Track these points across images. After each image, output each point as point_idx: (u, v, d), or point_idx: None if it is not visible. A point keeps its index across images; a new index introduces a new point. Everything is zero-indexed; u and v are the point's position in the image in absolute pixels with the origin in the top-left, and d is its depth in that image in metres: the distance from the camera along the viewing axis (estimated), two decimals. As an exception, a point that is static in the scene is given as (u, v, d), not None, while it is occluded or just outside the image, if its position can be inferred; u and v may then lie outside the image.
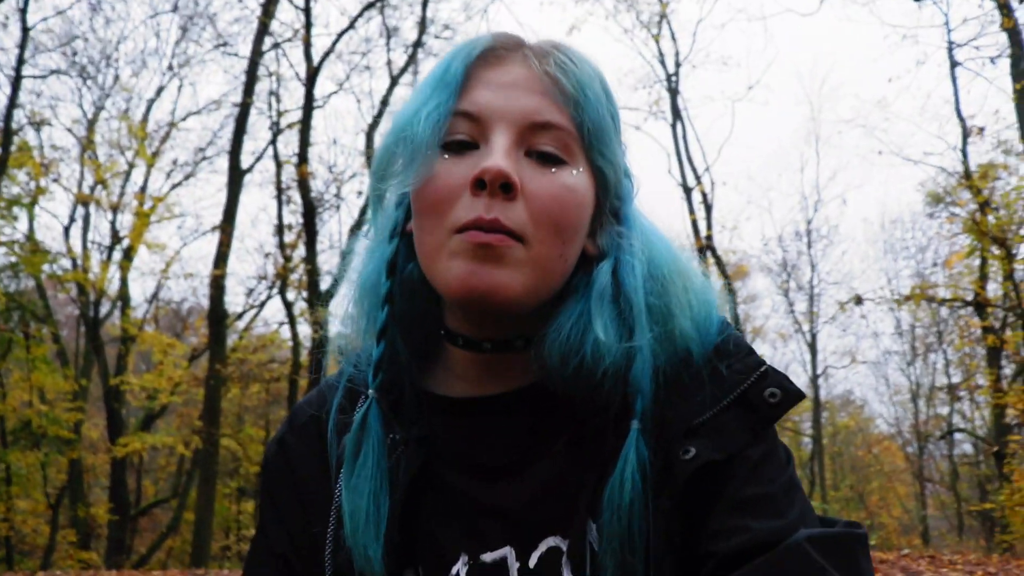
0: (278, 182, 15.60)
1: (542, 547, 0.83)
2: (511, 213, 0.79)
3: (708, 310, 0.87)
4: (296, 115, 15.22)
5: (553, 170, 0.82)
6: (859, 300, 13.35)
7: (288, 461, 0.95)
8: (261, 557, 0.95)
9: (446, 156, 0.82)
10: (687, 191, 15.58)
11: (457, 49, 0.86)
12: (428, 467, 0.87)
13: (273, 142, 15.85)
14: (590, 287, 0.84)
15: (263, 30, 14.05)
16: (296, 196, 15.00)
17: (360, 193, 16.95)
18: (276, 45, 14.77)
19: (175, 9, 15.41)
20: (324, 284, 14.01)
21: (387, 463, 0.85)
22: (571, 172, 0.83)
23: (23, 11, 14.15)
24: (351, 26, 14.48)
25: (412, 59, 15.08)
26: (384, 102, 14.86)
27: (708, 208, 15.55)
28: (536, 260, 0.80)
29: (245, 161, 14.72)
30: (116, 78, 16.87)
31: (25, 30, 14.29)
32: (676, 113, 15.54)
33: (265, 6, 13.92)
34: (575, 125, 0.83)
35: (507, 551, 0.84)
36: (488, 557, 0.84)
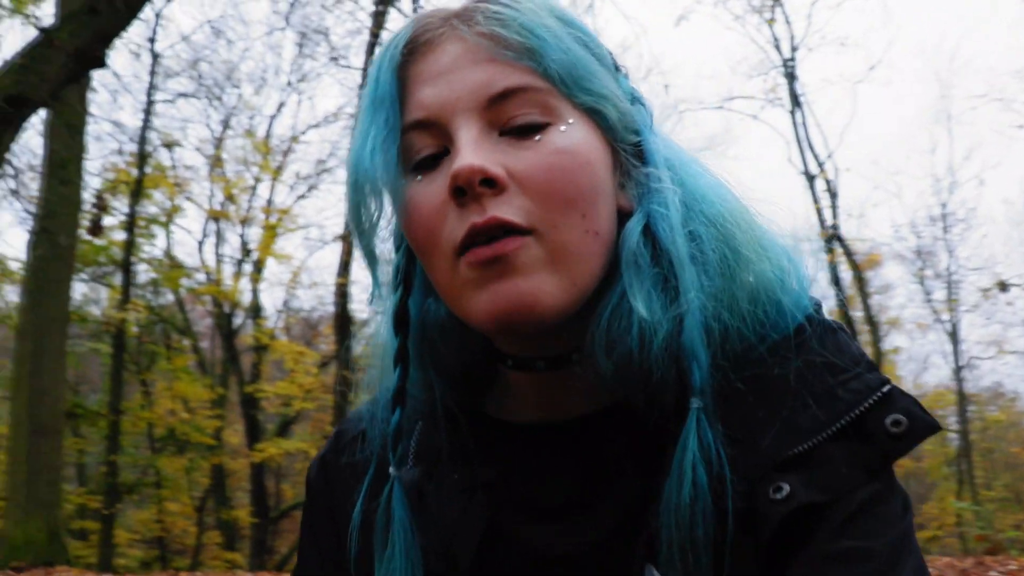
0: (396, 190, 15.86)
1: None
2: (507, 206, 0.66)
3: (777, 278, 0.72)
4: (411, 123, 15.45)
5: (537, 138, 0.68)
6: (1004, 286, 12.51)
7: (328, 483, 0.86)
8: None
9: (419, 178, 0.71)
10: (810, 179, 14.97)
11: (380, 55, 0.73)
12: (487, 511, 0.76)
13: (390, 151, 16.11)
14: (620, 255, 0.70)
15: (374, 41, 14.36)
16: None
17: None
18: (388, 55, 15.02)
19: (286, 24, 15.91)
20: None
21: (443, 516, 0.75)
22: (559, 130, 0.69)
23: (152, 40, 14.97)
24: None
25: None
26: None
27: (833, 196, 14.91)
28: (558, 249, 0.67)
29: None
30: (239, 97, 17.56)
31: (155, 57, 15.13)
32: (794, 99, 14.96)
33: (375, 16, 14.22)
34: (540, 75, 0.69)
35: None
36: None
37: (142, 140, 15.49)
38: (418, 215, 0.70)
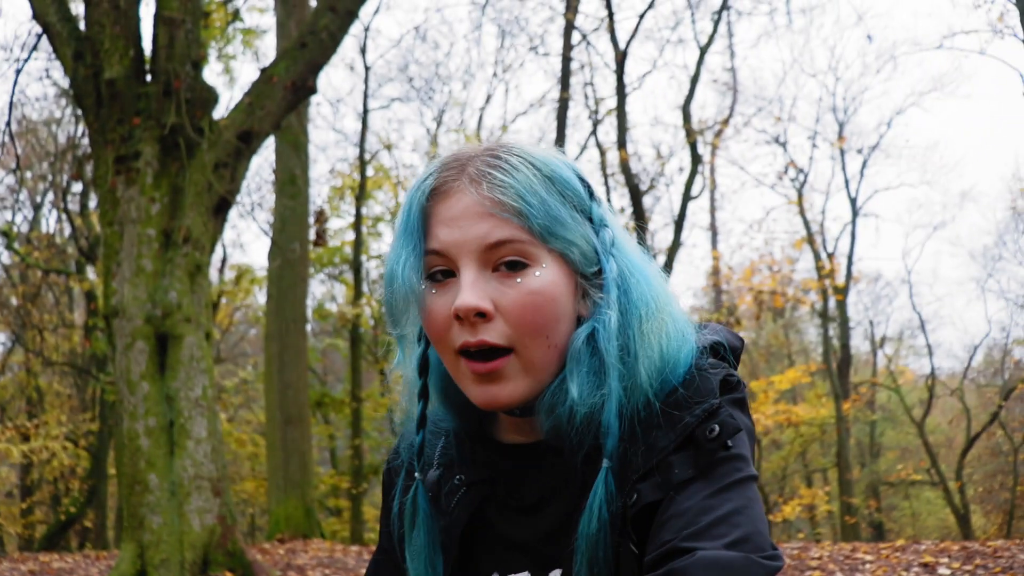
0: (603, 169, 16.08)
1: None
2: (493, 332, 0.92)
3: (677, 353, 0.96)
4: (613, 102, 15.56)
5: (518, 280, 0.92)
6: None
7: (388, 482, 1.13)
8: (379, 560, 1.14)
9: (433, 290, 0.95)
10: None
11: (411, 193, 0.98)
12: (479, 507, 1.03)
13: (594, 131, 16.40)
14: (568, 353, 0.95)
15: (569, 26, 14.55)
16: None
17: (681, 170, 16.92)
18: (583, 37, 15.19)
19: (479, 24, 16.33)
20: (659, 260, 14.17)
21: (449, 506, 1.03)
22: (535, 273, 0.92)
23: (363, 50, 16.00)
24: (651, 5, 14.52)
25: (717, 26, 14.75)
26: (695, 75, 14.69)
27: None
28: (530, 363, 0.93)
29: (571, 152, 15.32)
30: (449, 94, 18.39)
31: (367, 68, 16.14)
32: (1028, 29, 13.57)
33: (569, 1, 14.40)
34: (526, 230, 0.92)
35: (525, 575, 1.00)
36: None
37: (362, 145, 16.65)
38: (432, 320, 0.95)
